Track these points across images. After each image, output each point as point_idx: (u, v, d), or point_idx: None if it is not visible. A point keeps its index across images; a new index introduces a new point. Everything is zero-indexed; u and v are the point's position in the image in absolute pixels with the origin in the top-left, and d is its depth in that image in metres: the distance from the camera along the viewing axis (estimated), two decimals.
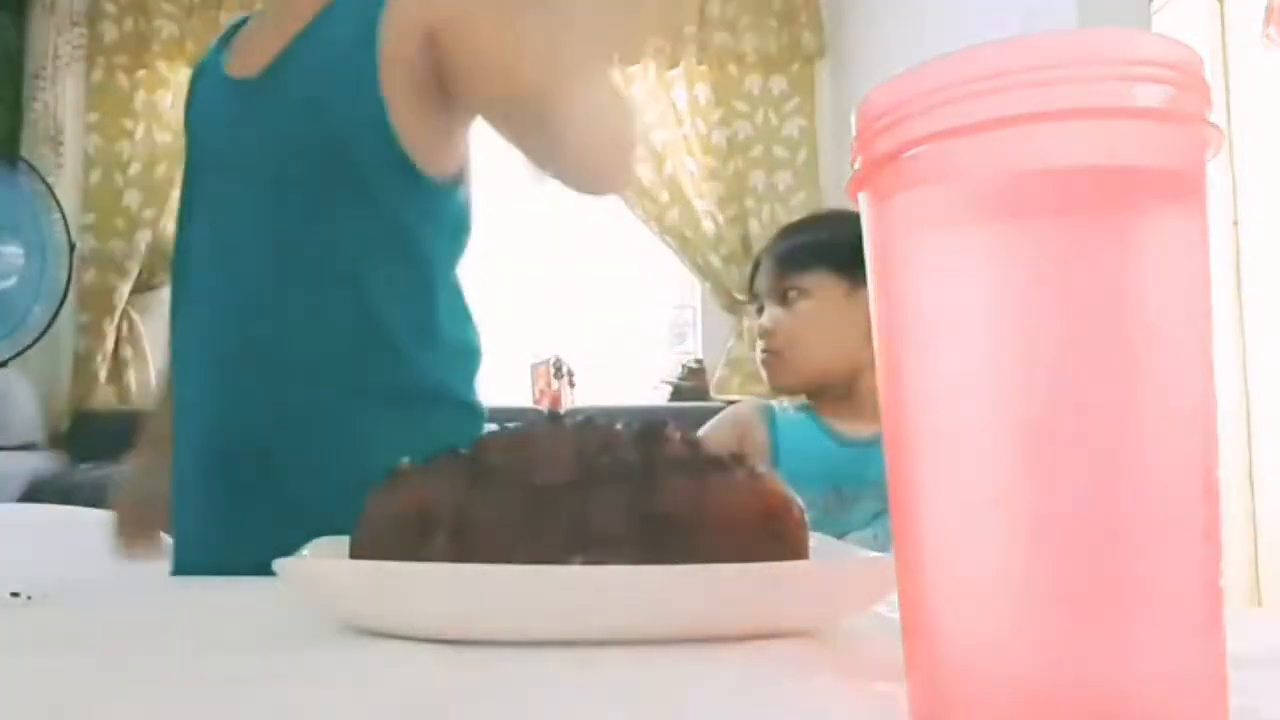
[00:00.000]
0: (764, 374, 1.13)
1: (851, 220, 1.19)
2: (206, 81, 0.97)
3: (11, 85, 3.11)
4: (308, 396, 0.85)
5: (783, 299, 1.10)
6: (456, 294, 0.94)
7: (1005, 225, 0.27)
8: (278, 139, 0.86)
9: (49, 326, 2.87)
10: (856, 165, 0.30)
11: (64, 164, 3.07)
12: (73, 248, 2.91)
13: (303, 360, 0.85)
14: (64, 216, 2.89)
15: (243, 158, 0.88)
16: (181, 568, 0.90)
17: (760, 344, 1.12)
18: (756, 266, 1.17)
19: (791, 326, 1.09)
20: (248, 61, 0.91)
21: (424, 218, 0.88)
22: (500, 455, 0.46)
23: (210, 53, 1.00)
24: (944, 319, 0.28)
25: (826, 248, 1.09)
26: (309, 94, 0.85)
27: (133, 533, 1.04)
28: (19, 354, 2.81)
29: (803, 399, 1.13)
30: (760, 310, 1.14)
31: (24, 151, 3.02)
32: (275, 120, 0.86)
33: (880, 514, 1.01)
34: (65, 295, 2.90)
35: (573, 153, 0.81)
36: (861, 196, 0.31)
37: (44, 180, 2.88)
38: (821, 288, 1.08)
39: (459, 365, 0.93)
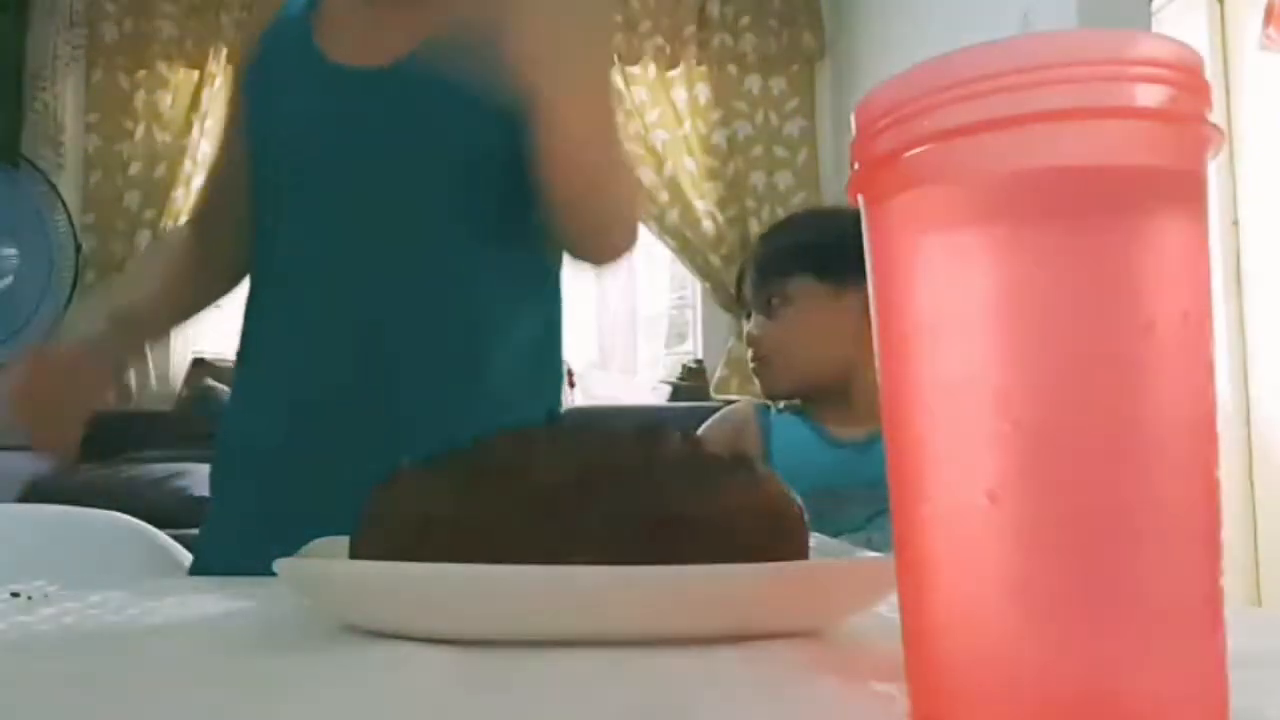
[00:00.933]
0: (757, 382, 1.13)
1: (833, 219, 1.17)
2: (296, 68, 0.87)
3: (12, 85, 3.11)
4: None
5: (767, 307, 1.10)
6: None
7: (1005, 225, 0.27)
8: (424, 136, 0.82)
9: (55, 327, 2.87)
10: (856, 166, 0.30)
11: (64, 164, 3.08)
12: (79, 249, 2.92)
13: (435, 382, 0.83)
14: (70, 218, 2.90)
15: (372, 157, 0.83)
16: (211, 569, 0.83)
17: (749, 352, 1.12)
18: (742, 274, 1.17)
19: (777, 335, 1.09)
20: (367, 51, 0.84)
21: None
22: (500, 455, 0.46)
23: (281, 27, 0.90)
24: (944, 319, 0.28)
25: (807, 251, 1.08)
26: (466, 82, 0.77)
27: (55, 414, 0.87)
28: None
29: (797, 403, 1.13)
30: (749, 315, 1.14)
31: (24, 152, 3.02)
32: (424, 115, 0.82)
33: (874, 517, 1.01)
34: (71, 297, 2.91)
35: (554, 172, 0.75)
36: (861, 197, 0.31)
37: (50, 182, 2.88)
38: (804, 294, 1.07)
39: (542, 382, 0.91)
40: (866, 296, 0.31)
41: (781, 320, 1.08)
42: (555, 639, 0.40)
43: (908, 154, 0.28)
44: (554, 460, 0.45)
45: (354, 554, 0.45)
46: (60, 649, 0.42)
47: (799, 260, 1.08)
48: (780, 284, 1.08)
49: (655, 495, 0.44)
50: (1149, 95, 0.26)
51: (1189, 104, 0.27)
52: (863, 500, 1.01)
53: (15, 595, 0.52)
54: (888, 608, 0.46)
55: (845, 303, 1.04)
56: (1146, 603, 0.26)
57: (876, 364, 0.31)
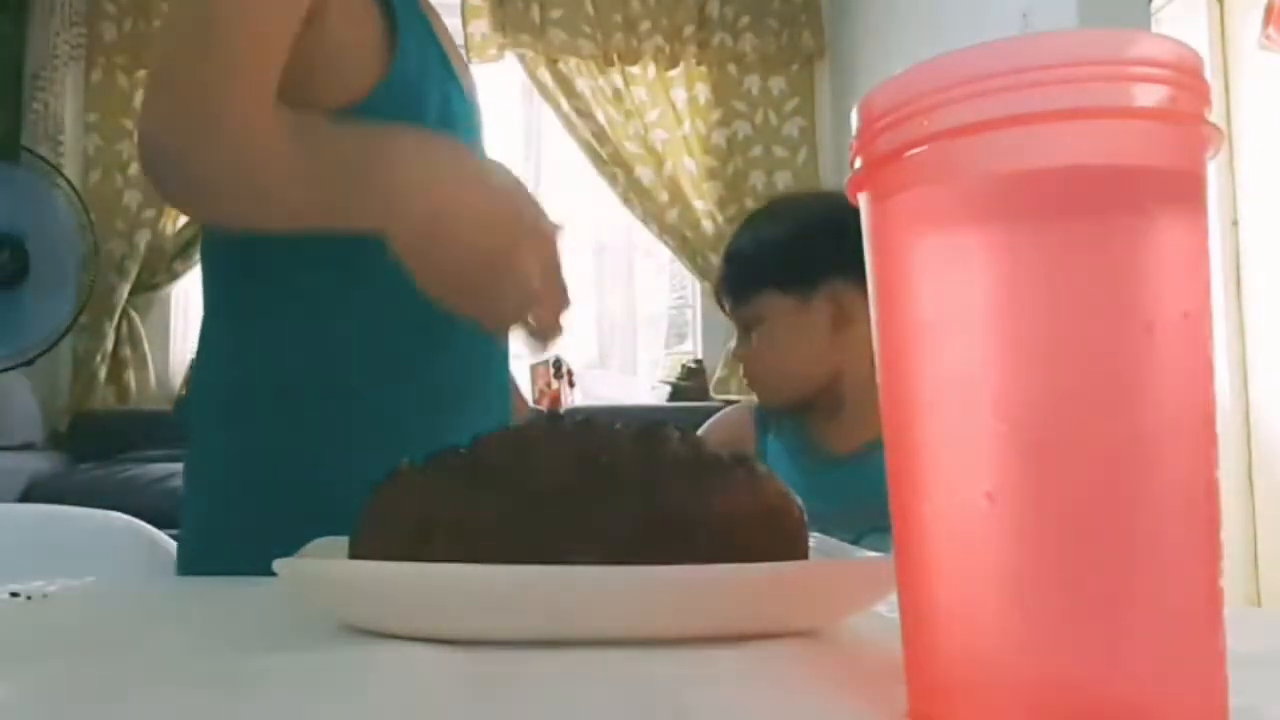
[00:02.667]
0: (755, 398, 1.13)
1: (786, 218, 1.14)
2: (463, 109, 0.90)
3: (11, 85, 3.11)
4: None
5: (745, 328, 1.09)
6: None
7: (1005, 225, 0.27)
8: None
9: (70, 327, 2.88)
10: (856, 165, 0.30)
11: (64, 164, 3.07)
12: (98, 251, 2.92)
13: None
14: (91, 221, 2.90)
15: None
16: None
17: (740, 368, 1.12)
18: (718, 291, 1.15)
19: (758, 354, 1.08)
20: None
21: None
22: (500, 456, 0.46)
23: (426, 52, 0.85)
24: (944, 319, 0.28)
25: (764, 265, 1.06)
26: None
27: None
28: (41, 354, 2.81)
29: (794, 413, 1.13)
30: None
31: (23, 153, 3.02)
32: None
33: (864, 535, 1.00)
34: (90, 298, 2.91)
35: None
36: (861, 196, 0.31)
37: (74, 187, 2.88)
38: (772, 310, 1.05)
39: None
40: (835, 297, 0.31)
41: (758, 339, 1.08)
42: (555, 639, 0.40)
43: (908, 153, 0.28)
44: (554, 460, 0.45)
45: (354, 554, 0.45)
46: (60, 649, 0.42)
47: (759, 275, 1.06)
48: (748, 306, 1.07)
49: (655, 495, 0.44)
50: (1149, 95, 0.26)
51: (1189, 104, 0.27)
52: (852, 518, 1.00)
53: (15, 595, 0.52)
54: (888, 608, 0.46)
55: (813, 310, 1.02)
56: (1145, 603, 0.26)
57: (876, 362, 0.31)
